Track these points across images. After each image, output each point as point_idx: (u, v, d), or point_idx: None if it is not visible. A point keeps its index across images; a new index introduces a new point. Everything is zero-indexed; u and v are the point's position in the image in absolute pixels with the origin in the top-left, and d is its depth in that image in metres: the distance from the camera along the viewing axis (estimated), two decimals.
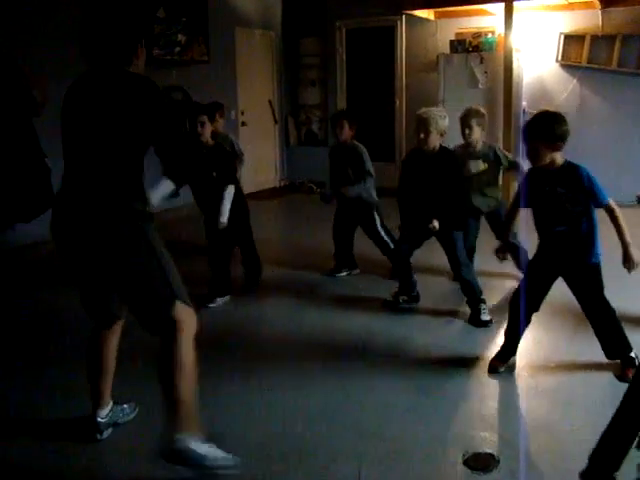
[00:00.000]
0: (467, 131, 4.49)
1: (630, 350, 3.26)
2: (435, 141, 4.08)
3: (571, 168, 3.12)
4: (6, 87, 4.91)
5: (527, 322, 3.35)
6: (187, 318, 2.45)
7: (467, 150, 4.54)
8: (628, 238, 3.09)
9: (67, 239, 2.48)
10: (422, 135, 4.06)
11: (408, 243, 4.34)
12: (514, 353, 3.44)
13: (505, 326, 3.46)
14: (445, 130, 4.10)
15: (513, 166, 4.64)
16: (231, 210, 4.33)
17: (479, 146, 4.56)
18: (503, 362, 3.42)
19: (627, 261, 3.11)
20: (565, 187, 3.10)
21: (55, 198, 2.53)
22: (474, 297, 4.12)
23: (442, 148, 4.15)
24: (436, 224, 4.07)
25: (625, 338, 3.27)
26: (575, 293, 3.27)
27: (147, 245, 2.42)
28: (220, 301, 4.48)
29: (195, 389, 2.45)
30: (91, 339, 2.76)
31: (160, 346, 2.44)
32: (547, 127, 3.08)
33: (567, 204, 3.10)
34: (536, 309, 3.33)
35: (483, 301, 4.12)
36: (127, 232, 2.39)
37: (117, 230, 2.38)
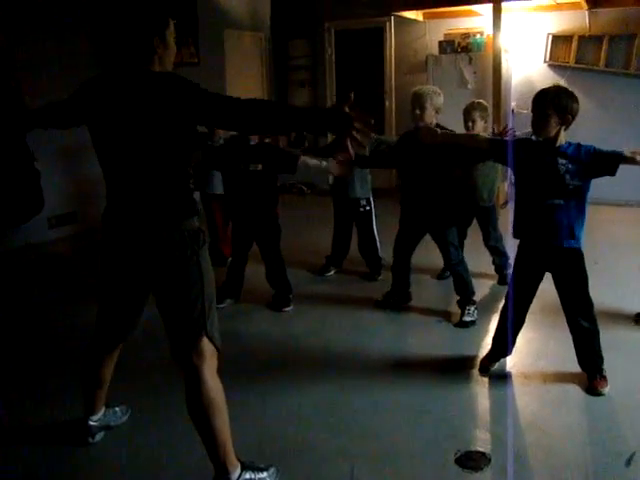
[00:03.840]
0: (470, 124, 4.52)
1: (602, 364, 3.22)
2: (431, 117, 4.05)
3: (575, 145, 3.09)
4: None
5: (521, 323, 3.35)
6: (209, 354, 2.36)
7: None
8: None
9: (118, 253, 2.41)
10: (417, 111, 4.03)
11: (408, 239, 4.29)
12: (505, 355, 3.45)
13: (495, 326, 3.47)
14: (440, 107, 4.08)
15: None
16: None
17: None
18: (494, 361, 3.44)
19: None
20: (567, 159, 3.05)
21: (105, 214, 2.43)
22: (465, 296, 4.15)
23: (438, 126, 4.05)
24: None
25: (600, 350, 3.23)
26: (560, 287, 3.22)
27: (198, 270, 2.34)
28: (228, 302, 4.48)
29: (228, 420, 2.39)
30: (90, 358, 2.72)
31: (186, 390, 2.37)
32: (562, 99, 3.04)
33: (567, 175, 3.04)
34: (526, 310, 3.32)
35: (472, 302, 4.14)
36: (180, 254, 2.31)
37: (170, 252, 2.30)
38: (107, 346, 2.70)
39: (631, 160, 3.00)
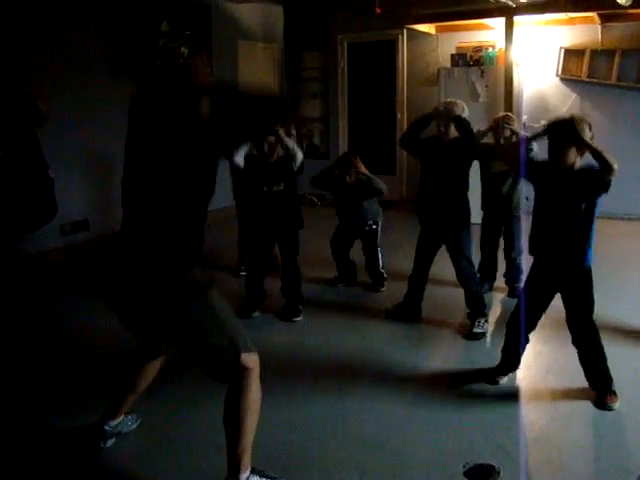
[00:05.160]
0: (501, 138, 4.52)
1: (611, 382, 3.20)
2: (454, 133, 4.08)
3: (587, 165, 3.11)
4: (10, 97, 4.94)
5: (526, 341, 3.35)
6: (253, 365, 2.41)
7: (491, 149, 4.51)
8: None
9: (119, 288, 2.39)
10: (442, 128, 4.08)
11: (427, 249, 4.29)
12: (515, 368, 3.45)
13: (503, 343, 3.47)
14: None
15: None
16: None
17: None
18: (503, 375, 3.44)
19: None
20: (577, 180, 3.08)
21: (114, 244, 2.41)
22: (477, 309, 4.14)
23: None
24: None
25: (608, 371, 3.21)
26: (567, 311, 3.23)
27: (198, 296, 2.33)
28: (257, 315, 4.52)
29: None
30: (134, 363, 2.77)
31: (228, 391, 2.40)
32: (581, 132, 3.04)
33: (577, 197, 3.07)
34: (533, 327, 3.33)
35: (483, 315, 4.14)
36: (180, 293, 2.29)
37: (170, 292, 2.29)
38: (144, 356, 2.75)
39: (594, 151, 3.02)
